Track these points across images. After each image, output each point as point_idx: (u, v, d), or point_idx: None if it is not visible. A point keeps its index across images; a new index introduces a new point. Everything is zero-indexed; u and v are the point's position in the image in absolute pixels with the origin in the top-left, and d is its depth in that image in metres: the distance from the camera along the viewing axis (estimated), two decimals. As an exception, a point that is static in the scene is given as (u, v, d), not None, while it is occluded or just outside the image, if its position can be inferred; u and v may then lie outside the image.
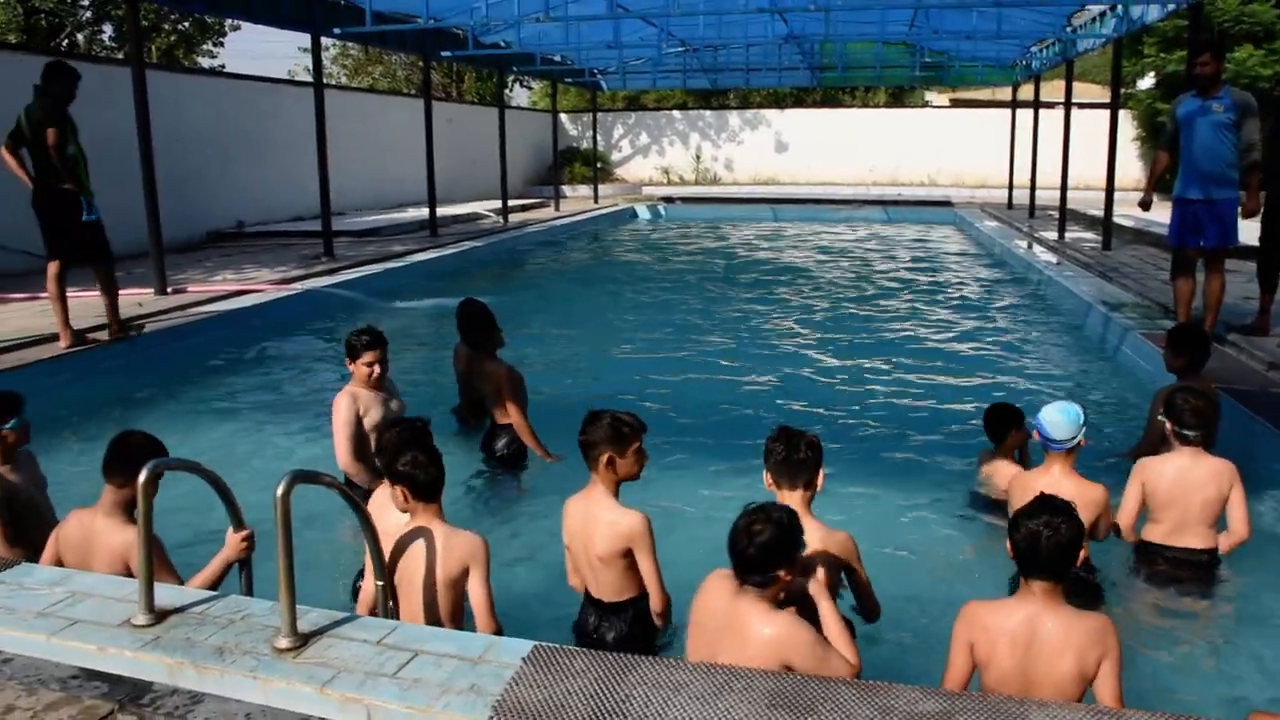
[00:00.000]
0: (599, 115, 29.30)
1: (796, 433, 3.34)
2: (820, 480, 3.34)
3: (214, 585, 3.45)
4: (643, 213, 25.17)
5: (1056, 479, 3.84)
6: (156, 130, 10.19)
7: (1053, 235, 15.83)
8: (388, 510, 3.64)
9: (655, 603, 3.51)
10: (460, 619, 3.31)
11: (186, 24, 26.30)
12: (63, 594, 3.24)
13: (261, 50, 54.57)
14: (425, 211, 17.38)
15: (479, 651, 2.84)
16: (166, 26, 25.80)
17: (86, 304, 8.10)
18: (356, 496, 3.21)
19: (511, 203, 20.84)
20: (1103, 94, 28.53)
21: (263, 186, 17.32)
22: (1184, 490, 4.14)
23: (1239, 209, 7.44)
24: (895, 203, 24.78)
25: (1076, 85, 17.43)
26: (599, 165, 28.76)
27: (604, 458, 3.46)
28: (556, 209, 23.33)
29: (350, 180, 18.69)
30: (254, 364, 8.69)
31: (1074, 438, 3.89)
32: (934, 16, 16.46)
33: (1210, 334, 6.66)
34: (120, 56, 21.53)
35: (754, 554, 2.76)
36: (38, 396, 4.94)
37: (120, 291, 8.34)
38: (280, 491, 2.78)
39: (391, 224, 17.49)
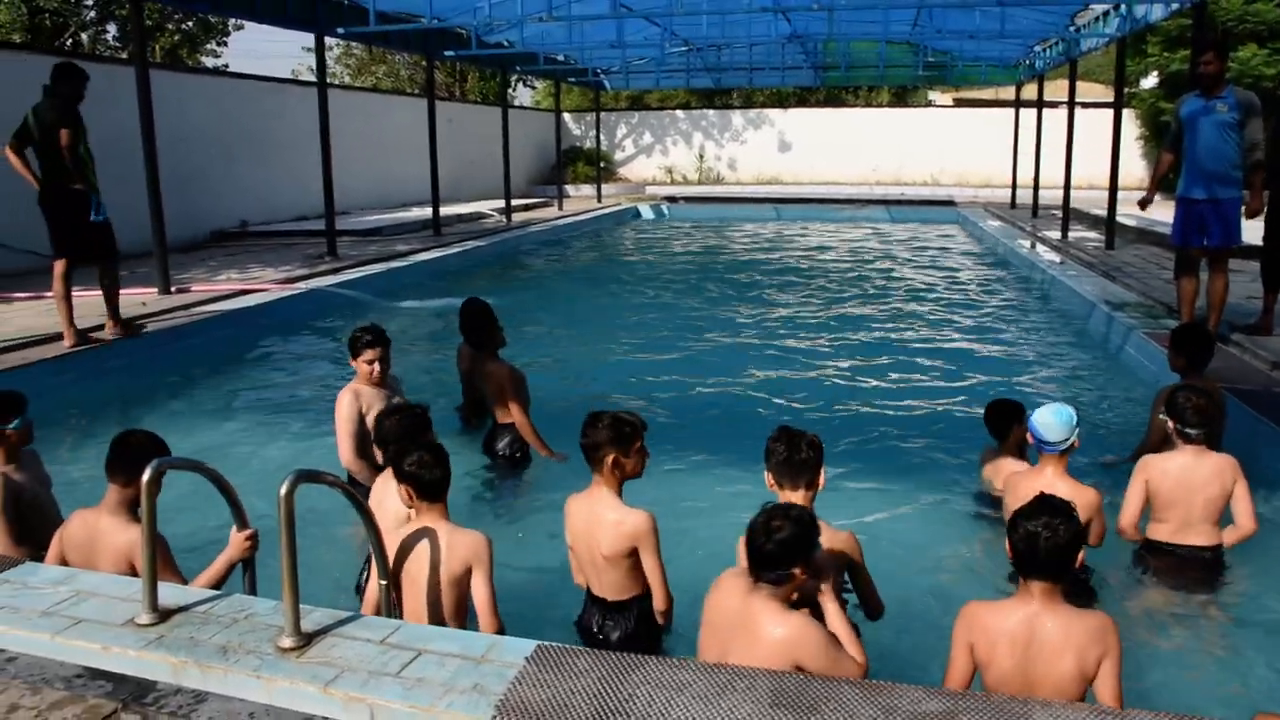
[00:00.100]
0: (602, 115, 29.30)
1: (797, 433, 3.34)
2: (822, 480, 3.34)
3: (218, 585, 3.46)
4: (646, 212, 25.17)
5: (1050, 481, 3.82)
6: (160, 130, 10.20)
7: (1056, 235, 15.81)
8: (387, 500, 3.65)
9: (658, 601, 3.52)
10: (463, 618, 3.31)
11: (190, 23, 26.32)
12: (67, 593, 3.25)
13: (265, 50, 54.68)
14: (429, 211, 17.39)
15: (482, 651, 2.84)
16: (170, 26, 25.83)
17: (91, 304, 8.11)
18: (360, 496, 3.22)
19: (515, 202, 20.85)
20: (1106, 93, 28.48)
21: (266, 186, 17.34)
22: (1187, 489, 4.14)
23: (1243, 208, 7.43)
24: (898, 202, 24.75)
25: (1080, 84, 17.40)
26: (602, 165, 28.76)
27: (609, 459, 3.46)
28: (560, 209, 23.32)
29: (354, 180, 18.70)
30: (257, 363, 8.70)
31: (1067, 439, 3.88)
32: (937, 16, 16.44)
33: (1214, 334, 6.66)
34: (124, 56, 21.56)
35: (772, 550, 2.76)
36: (41, 396, 4.96)
37: (124, 291, 8.36)
38: (283, 491, 2.78)
39: (395, 223, 17.49)
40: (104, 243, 7.89)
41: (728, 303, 11.99)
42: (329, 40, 15.11)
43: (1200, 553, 4.15)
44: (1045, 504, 2.81)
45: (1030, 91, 21.39)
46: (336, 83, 28.63)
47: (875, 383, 8.03)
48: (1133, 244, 14.47)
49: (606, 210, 23.63)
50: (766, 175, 30.16)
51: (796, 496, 3.27)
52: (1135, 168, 23.96)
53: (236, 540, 3.48)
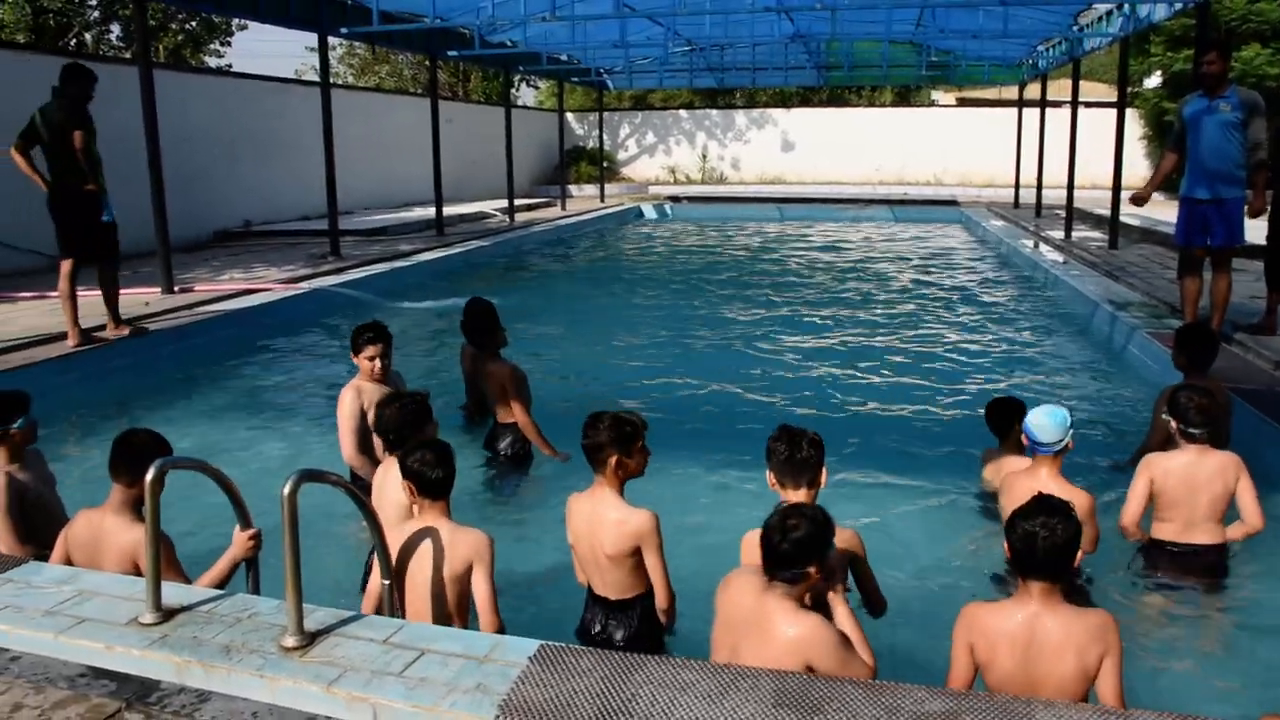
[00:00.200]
0: (605, 115, 29.31)
1: (798, 431, 3.35)
2: (823, 478, 3.34)
3: (221, 584, 3.46)
4: (649, 212, 25.17)
5: (1044, 482, 3.81)
6: (163, 130, 10.22)
7: (1059, 234, 15.80)
8: (388, 487, 3.66)
9: (661, 599, 3.52)
10: (465, 616, 3.32)
11: (194, 23, 26.34)
12: (70, 592, 3.25)
13: (268, 50, 54.67)
14: (432, 211, 17.40)
15: (485, 650, 2.84)
16: (174, 26, 25.85)
17: (95, 303, 8.13)
18: (363, 495, 3.22)
19: (518, 202, 20.86)
20: (1109, 93, 28.47)
21: (269, 186, 17.36)
22: (1191, 487, 4.14)
23: (1246, 208, 7.42)
24: (901, 202, 24.74)
25: (1083, 84, 17.37)
26: (605, 165, 28.76)
27: (611, 459, 3.46)
28: (563, 208, 23.33)
29: (357, 180, 18.73)
30: (261, 363, 8.71)
31: (1061, 440, 3.87)
32: (940, 15, 16.42)
33: (1218, 333, 6.65)
34: (128, 56, 21.57)
35: (787, 549, 2.76)
36: (46, 395, 4.97)
37: (128, 290, 8.37)
38: (287, 490, 2.79)
39: (398, 223, 17.51)
40: (108, 242, 7.92)
41: (730, 302, 11.99)
42: (332, 40, 15.12)
43: (1205, 551, 4.15)
44: (1043, 504, 2.82)
45: (1033, 91, 21.37)
46: (340, 83, 28.64)
47: (877, 382, 8.02)
48: (1136, 244, 14.45)
49: (609, 210, 23.63)
50: (770, 175, 30.16)
51: (798, 495, 3.27)
52: (1139, 167, 23.91)
53: (240, 540, 3.48)
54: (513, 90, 29.23)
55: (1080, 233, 15.98)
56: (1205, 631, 3.99)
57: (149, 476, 2.95)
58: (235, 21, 26.84)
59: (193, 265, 12.45)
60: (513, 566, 4.23)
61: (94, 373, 7.55)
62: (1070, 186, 15.95)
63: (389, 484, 3.72)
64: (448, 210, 17.83)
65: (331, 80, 14.35)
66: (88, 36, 24.09)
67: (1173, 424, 4.23)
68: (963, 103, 35.97)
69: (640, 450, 3.53)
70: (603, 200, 26.06)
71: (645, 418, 3.60)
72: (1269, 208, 7.72)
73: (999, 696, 2.62)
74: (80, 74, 7.63)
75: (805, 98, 32.32)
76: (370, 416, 4.85)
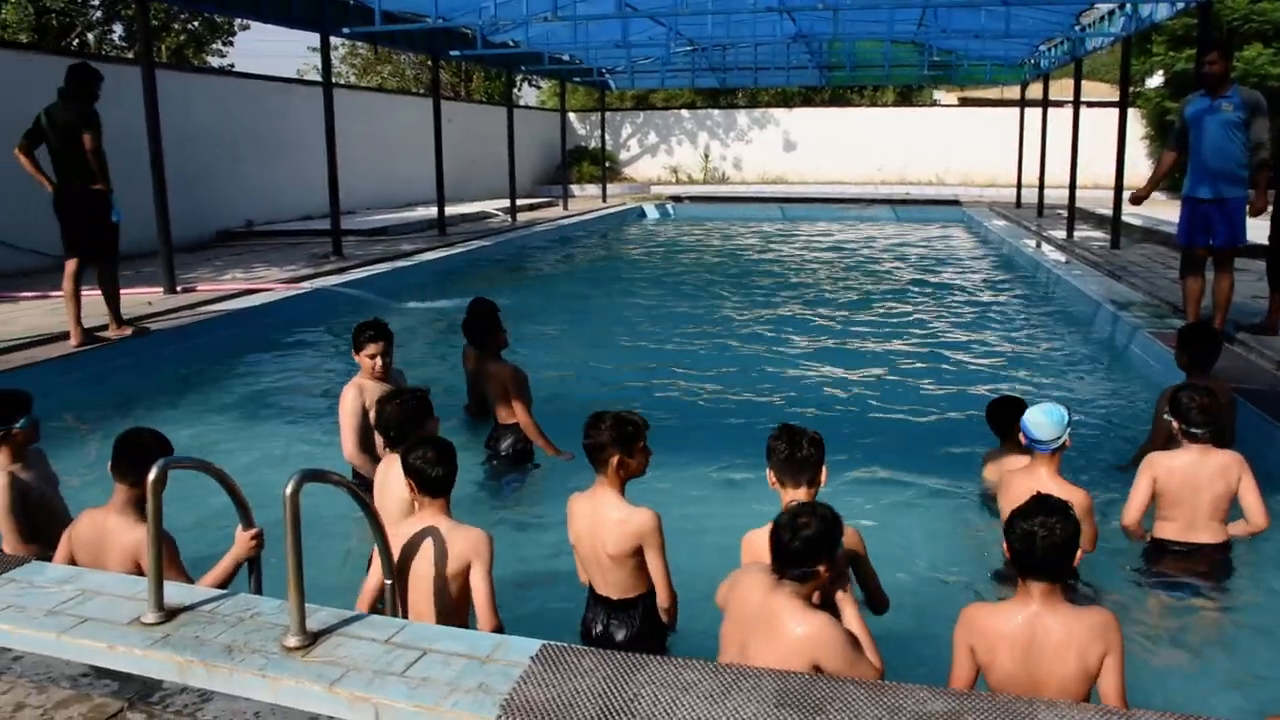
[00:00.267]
0: (607, 114, 29.30)
1: (798, 430, 3.35)
2: (824, 477, 3.34)
3: (223, 584, 3.46)
4: (651, 212, 25.17)
5: (1042, 481, 3.81)
6: (166, 129, 10.22)
7: (1061, 234, 15.79)
8: (389, 482, 3.66)
9: (662, 599, 3.52)
10: (465, 614, 3.32)
11: (196, 23, 26.38)
12: (73, 592, 3.26)
13: (270, 50, 54.71)
14: (434, 210, 17.40)
15: (487, 650, 2.84)
16: (176, 26, 25.88)
17: (98, 303, 8.13)
18: (365, 495, 3.22)
19: (520, 202, 20.87)
20: (1111, 92, 28.46)
21: (272, 186, 17.36)
22: (1193, 487, 4.13)
23: (1248, 207, 7.42)
24: (903, 202, 24.74)
25: (1085, 84, 17.36)
26: (607, 164, 28.77)
27: (614, 460, 3.46)
28: (565, 208, 23.34)
29: (359, 179, 18.73)
30: (263, 363, 8.71)
31: (1058, 438, 3.87)
32: (942, 15, 16.41)
33: (1220, 333, 6.64)
34: (130, 56, 21.56)
35: (798, 547, 2.77)
36: (48, 395, 4.98)
37: (131, 290, 8.37)
38: (289, 490, 2.79)
39: (400, 223, 17.51)
40: (111, 242, 7.92)
41: (731, 302, 11.99)
42: (334, 40, 15.13)
43: (1207, 551, 4.15)
44: (1042, 504, 2.81)
45: (1035, 91, 21.36)
46: (342, 82, 28.64)
47: (878, 381, 8.02)
48: (1138, 243, 14.44)
49: (611, 210, 23.64)
50: (771, 175, 30.15)
51: (798, 494, 3.27)
52: (1141, 167, 23.84)
53: (242, 539, 3.48)
54: (515, 90, 29.23)
55: (1082, 232, 15.98)
56: (1207, 631, 3.98)
57: (151, 476, 2.95)
58: (238, 21, 26.88)
59: (195, 265, 12.45)
60: (514, 566, 4.23)
61: (96, 372, 7.55)
62: (1072, 186, 15.95)
63: (391, 481, 3.72)
64: (450, 210, 17.83)
65: (334, 80, 14.35)
66: (90, 36, 24.13)
67: (1174, 424, 4.23)
68: (965, 102, 35.95)
69: (642, 450, 3.53)
70: (605, 200, 26.06)
71: (647, 417, 3.60)
72: (1271, 207, 7.71)
73: (1001, 696, 2.61)
74: (86, 74, 7.63)
75: (807, 97, 32.32)
76: (372, 414, 4.86)
